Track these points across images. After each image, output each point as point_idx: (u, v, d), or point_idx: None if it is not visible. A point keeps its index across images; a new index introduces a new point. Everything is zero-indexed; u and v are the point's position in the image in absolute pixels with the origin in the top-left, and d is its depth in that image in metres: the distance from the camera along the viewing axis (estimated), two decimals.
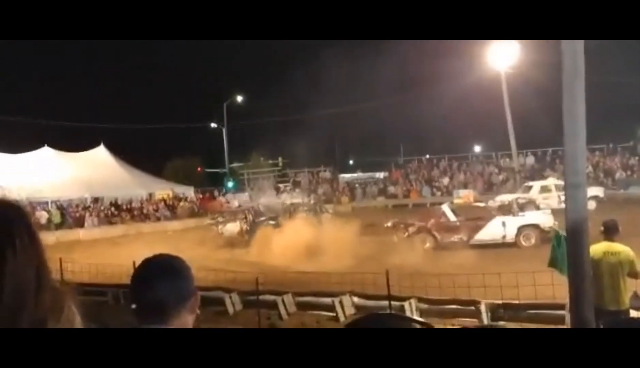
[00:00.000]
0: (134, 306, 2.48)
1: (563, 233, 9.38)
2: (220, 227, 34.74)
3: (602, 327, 7.38)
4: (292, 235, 27.01)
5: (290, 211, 33.84)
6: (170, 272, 2.52)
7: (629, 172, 46.93)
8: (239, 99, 66.73)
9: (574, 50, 6.68)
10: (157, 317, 2.42)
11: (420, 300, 12.99)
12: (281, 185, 55.07)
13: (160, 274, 2.49)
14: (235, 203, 47.22)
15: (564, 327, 10.05)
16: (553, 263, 9.59)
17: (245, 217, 34.10)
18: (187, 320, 2.51)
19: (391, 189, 55.09)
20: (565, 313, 9.98)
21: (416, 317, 2.41)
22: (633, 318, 8.86)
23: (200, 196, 56.47)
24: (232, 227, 33.63)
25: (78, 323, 2.29)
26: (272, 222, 31.92)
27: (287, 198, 40.10)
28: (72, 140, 53.55)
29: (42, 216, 42.19)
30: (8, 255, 1.00)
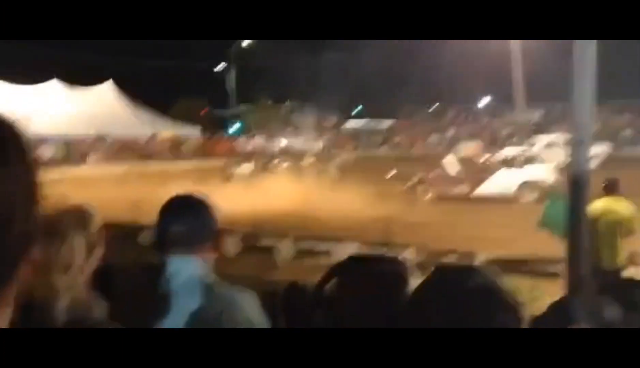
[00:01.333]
0: (159, 237, 2.58)
1: (559, 193, 9.37)
2: (234, 167, 35.29)
3: (597, 284, 7.39)
4: (300, 179, 27.83)
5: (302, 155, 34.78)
6: (198, 207, 2.62)
7: (636, 131, 46.72)
8: (247, 40, 66.12)
9: None
10: (182, 248, 2.50)
11: (418, 249, 13.03)
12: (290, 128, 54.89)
13: (188, 208, 2.60)
14: (249, 146, 47.63)
15: (560, 281, 10.07)
16: (546, 222, 9.54)
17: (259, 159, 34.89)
18: (209, 257, 2.60)
19: (396, 139, 55.00)
20: (561, 269, 9.99)
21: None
22: (630, 279, 8.88)
23: (206, 137, 56.40)
24: (245, 168, 34.10)
25: (79, 252, 2.33)
26: (284, 165, 32.99)
27: (298, 143, 40.65)
28: (81, 74, 53.12)
29: (46, 150, 42.23)
30: None
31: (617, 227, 8.89)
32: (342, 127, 61.28)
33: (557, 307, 3.69)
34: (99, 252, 2.53)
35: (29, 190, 1.01)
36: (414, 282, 1.77)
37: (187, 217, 2.55)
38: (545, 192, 22.10)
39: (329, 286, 1.90)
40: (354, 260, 1.97)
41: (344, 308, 1.80)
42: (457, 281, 1.45)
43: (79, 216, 2.44)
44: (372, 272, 1.82)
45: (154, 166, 44.32)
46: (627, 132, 46.41)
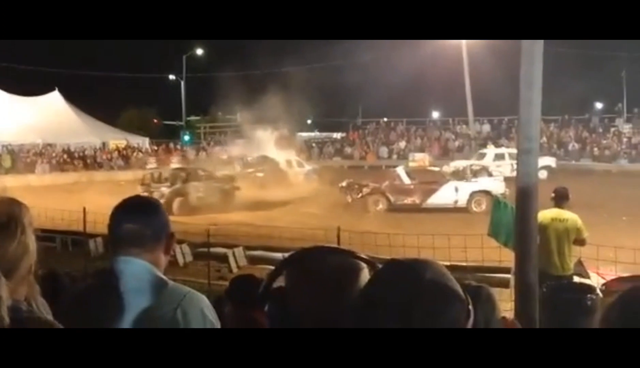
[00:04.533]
0: (112, 236, 2.59)
1: (504, 200, 9.56)
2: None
3: (544, 290, 7.54)
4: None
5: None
6: (149, 208, 2.68)
7: (581, 144, 47.68)
8: (199, 51, 65.86)
9: None
10: (133, 248, 2.52)
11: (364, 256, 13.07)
12: (239, 140, 54.54)
13: (140, 209, 2.65)
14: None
15: (509, 290, 10.23)
16: (494, 229, 9.70)
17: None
18: (160, 258, 2.60)
19: (348, 150, 55.21)
20: (510, 276, 10.15)
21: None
22: (575, 283, 9.08)
23: (156, 148, 55.83)
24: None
25: (32, 246, 2.26)
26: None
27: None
28: (26, 84, 52.34)
29: None
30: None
31: (566, 235, 9.08)
32: (294, 138, 61.10)
33: None
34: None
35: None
36: (367, 274, 1.79)
37: (139, 218, 2.58)
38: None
39: (280, 278, 1.91)
40: (305, 252, 1.98)
41: (295, 301, 1.80)
42: (408, 274, 1.47)
43: (23, 209, 2.34)
44: (323, 265, 1.83)
45: (103, 175, 43.77)
46: (572, 146, 47.32)
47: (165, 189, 27.10)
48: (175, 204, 26.08)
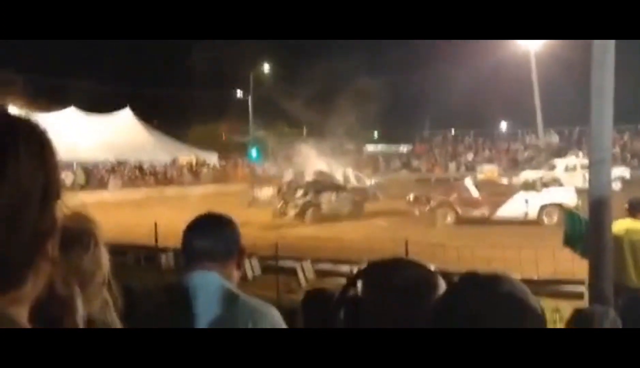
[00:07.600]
0: (185, 252, 2.68)
1: (577, 212, 9.35)
2: (256, 190, 35.42)
3: (620, 302, 7.33)
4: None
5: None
6: (222, 224, 2.75)
7: None
8: (266, 67, 66.48)
9: None
10: (206, 262, 2.59)
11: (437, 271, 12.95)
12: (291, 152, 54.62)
13: (213, 225, 2.73)
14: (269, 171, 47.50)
15: (583, 302, 10.00)
16: (569, 241, 9.49)
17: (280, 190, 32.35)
18: (232, 272, 2.69)
19: (415, 163, 54.93)
20: (584, 289, 9.93)
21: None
22: None
23: (224, 163, 56.61)
24: (266, 192, 34.41)
25: (105, 260, 2.31)
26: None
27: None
28: (98, 102, 53.68)
29: (66, 177, 42.58)
30: (9, 159, 0.99)
31: None
32: (362, 151, 61.02)
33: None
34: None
35: (44, 186, 1.02)
36: (443, 288, 1.78)
37: (212, 232, 2.66)
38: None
39: (354, 289, 1.91)
40: (381, 264, 1.97)
41: (368, 311, 1.80)
42: (483, 286, 1.46)
43: (94, 223, 2.40)
44: (399, 276, 1.82)
45: (173, 190, 44.54)
46: None
47: (300, 200, 28.96)
48: (308, 214, 28.18)
